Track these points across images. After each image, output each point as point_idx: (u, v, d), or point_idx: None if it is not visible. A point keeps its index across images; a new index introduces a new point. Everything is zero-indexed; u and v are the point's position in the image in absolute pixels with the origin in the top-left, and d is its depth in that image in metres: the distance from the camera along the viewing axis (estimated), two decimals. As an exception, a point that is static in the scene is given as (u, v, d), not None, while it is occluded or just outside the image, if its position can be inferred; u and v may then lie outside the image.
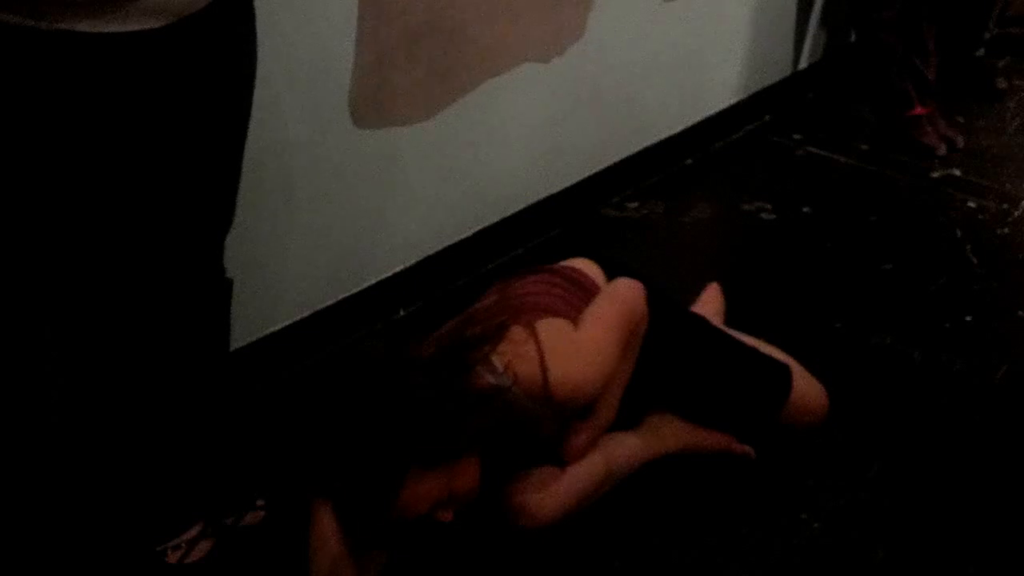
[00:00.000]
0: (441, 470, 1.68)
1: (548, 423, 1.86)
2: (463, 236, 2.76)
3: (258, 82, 1.72)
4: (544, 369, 1.78)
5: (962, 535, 2.03)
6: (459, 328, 1.82)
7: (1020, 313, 2.73)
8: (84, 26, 1.39)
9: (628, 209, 3.18)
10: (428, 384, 1.68)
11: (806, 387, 2.18)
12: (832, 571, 1.95)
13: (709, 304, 2.47)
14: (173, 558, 1.91)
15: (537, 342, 1.80)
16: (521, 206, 2.91)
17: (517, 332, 1.81)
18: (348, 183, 2.41)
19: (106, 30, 1.41)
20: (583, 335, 1.86)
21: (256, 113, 1.74)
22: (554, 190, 2.99)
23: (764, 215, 3.19)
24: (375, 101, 2.38)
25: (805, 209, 3.22)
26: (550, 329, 1.84)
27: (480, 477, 1.75)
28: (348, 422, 1.68)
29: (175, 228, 1.66)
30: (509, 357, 1.76)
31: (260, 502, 2.01)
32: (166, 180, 1.60)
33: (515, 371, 1.76)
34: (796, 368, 2.19)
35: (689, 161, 3.46)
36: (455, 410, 1.68)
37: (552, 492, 1.90)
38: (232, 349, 2.06)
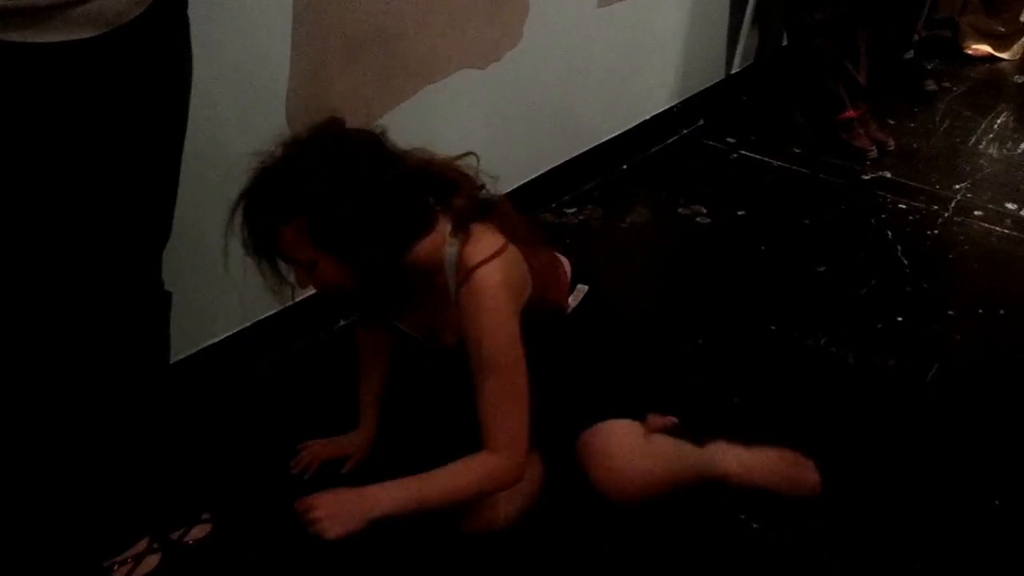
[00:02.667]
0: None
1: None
2: (402, 243, 2.75)
3: (193, 93, 1.70)
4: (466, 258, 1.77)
5: (900, 532, 2.07)
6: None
7: (950, 313, 2.79)
8: (15, 36, 1.38)
9: (566, 215, 3.20)
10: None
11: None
12: (775, 572, 1.98)
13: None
14: (120, 574, 1.89)
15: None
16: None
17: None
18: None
19: (38, 40, 1.39)
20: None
21: (192, 124, 1.73)
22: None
23: (700, 219, 3.23)
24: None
25: (740, 212, 3.26)
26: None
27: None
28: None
29: (111, 240, 1.64)
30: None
31: (206, 515, 1.99)
32: (101, 192, 1.58)
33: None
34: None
35: (625, 166, 3.49)
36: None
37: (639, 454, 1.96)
38: (172, 361, 2.03)
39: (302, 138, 1.76)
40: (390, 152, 1.77)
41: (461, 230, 1.78)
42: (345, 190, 1.67)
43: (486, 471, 1.79)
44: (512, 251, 1.80)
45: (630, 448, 1.97)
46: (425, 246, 1.76)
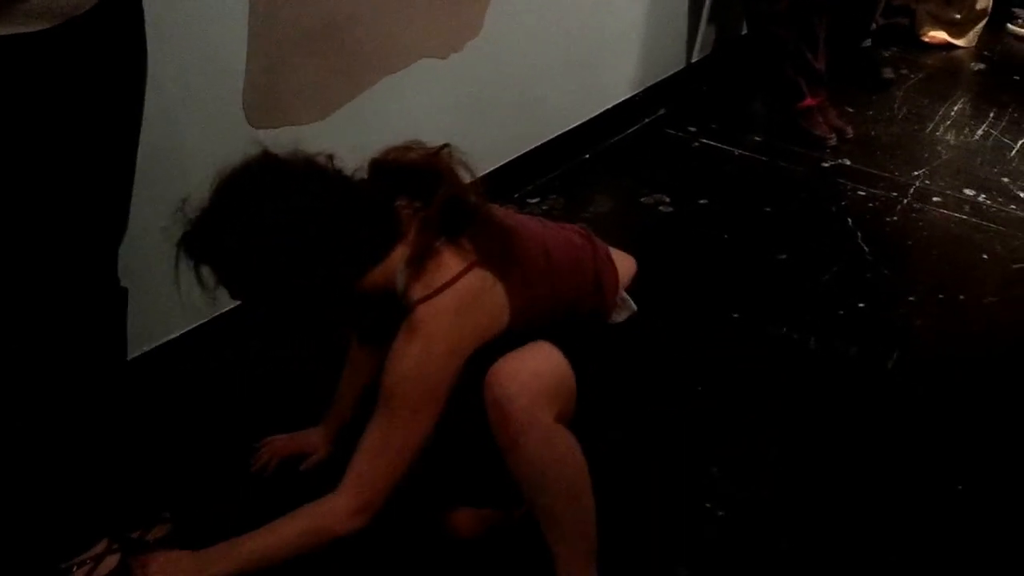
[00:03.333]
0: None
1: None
2: (364, 236, 2.73)
3: (148, 86, 1.68)
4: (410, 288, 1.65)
5: (862, 517, 2.08)
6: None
7: (911, 299, 2.81)
8: (-33, 29, 1.36)
9: (529, 205, 3.20)
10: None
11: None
12: (737, 559, 1.99)
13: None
14: (79, 575, 1.86)
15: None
16: (422, 204, 2.89)
17: (451, 256, 1.67)
18: (245, 185, 2.37)
19: (-9, 32, 1.37)
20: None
21: (147, 118, 1.71)
22: (454, 187, 2.98)
23: (662, 208, 3.23)
24: (270, 101, 2.35)
25: (702, 201, 3.27)
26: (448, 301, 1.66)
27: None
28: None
29: (66, 235, 1.62)
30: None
31: (166, 514, 1.97)
32: (55, 186, 1.56)
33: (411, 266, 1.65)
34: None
35: (587, 155, 3.49)
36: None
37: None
38: (129, 358, 2.01)
39: (230, 177, 1.65)
40: (328, 186, 1.64)
41: (418, 255, 1.65)
42: (263, 244, 1.58)
43: (324, 518, 1.66)
44: (474, 278, 1.66)
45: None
46: (379, 273, 1.66)
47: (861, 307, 2.76)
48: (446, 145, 1.75)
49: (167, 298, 2.28)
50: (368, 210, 1.66)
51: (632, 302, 1.87)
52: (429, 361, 1.64)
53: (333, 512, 1.65)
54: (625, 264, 1.93)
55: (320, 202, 1.61)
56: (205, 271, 1.65)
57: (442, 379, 1.66)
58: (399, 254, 1.66)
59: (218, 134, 2.26)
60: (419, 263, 1.64)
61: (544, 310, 1.75)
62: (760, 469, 2.18)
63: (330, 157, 1.71)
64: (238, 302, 2.39)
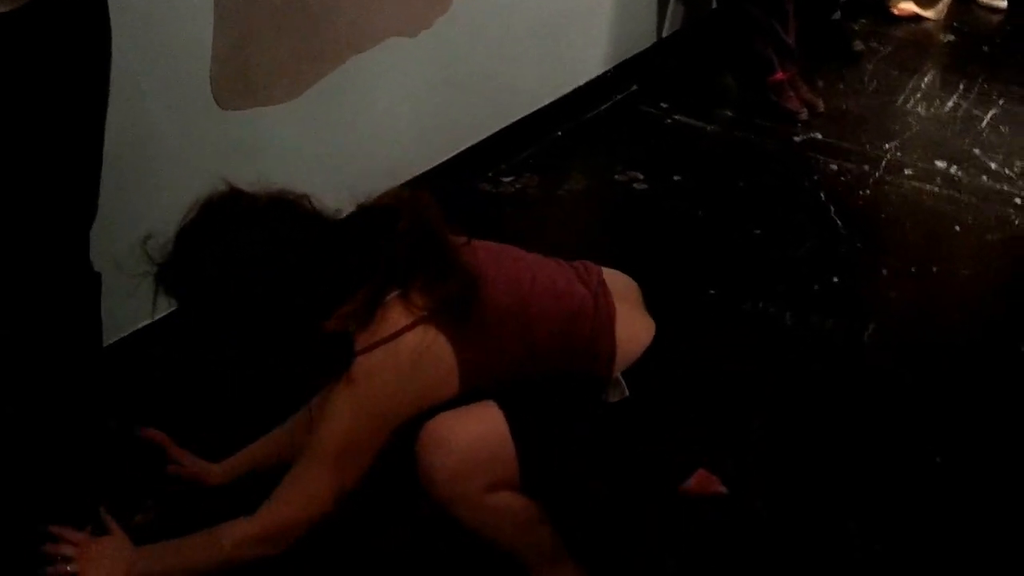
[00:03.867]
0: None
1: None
2: (338, 218, 2.71)
3: (115, 70, 1.66)
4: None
5: (840, 491, 2.09)
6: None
7: (884, 272, 2.82)
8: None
9: (503, 184, 3.18)
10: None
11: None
12: (720, 530, 1.99)
13: None
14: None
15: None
16: (395, 184, 2.87)
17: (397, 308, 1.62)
18: (216, 169, 2.32)
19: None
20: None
21: (115, 102, 1.69)
22: (427, 167, 2.97)
23: (636, 184, 3.22)
24: (238, 82, 2.32)
25: (676, 177, 3.26)
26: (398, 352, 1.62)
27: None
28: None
29: (35, 220, 1.60)
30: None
31: (150, 502, 1.95)
32: (22, 171, 1.54)
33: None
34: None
35: (560, 133, 3.47)
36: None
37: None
38: (106, 344, 1.99)
39: (195, 219, 1.64)
40: (297, 225, 1.62)
41: (364, 303, 1.60)
42: (236, 275, 1.57)
43: (231, 541, 1.65)
44: (417, 336, 1.60)
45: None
46: (334, 323, 1.61)
47: (835, 281, 2.77)
48: (423, 188, 1.72)
49: (143, 283, 2.27)
50: (336, 249, 1.62)
51: (625, 388, 1.72)
52: (357, 421, 1.62)
53: (242, 538, 1.65)
54: (636, 336, 1.76)
55: (287, 239, 1.59)
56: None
57: (370, 441, 1.64)
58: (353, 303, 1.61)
59: (187, 116, 2.23)
60: (365, 312, 1.60)
61: (509, 370, 1.68)
62: (739, 443, 2.18)
63: (304, 196, 1.69)
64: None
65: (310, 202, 1.68)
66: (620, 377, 1.72)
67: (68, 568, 1.68)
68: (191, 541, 1.70)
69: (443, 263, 1.64)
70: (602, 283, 1.77)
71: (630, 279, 1.87)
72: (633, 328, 1.75)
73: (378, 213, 1.68)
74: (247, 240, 1.58)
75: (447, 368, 1.64)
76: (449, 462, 1.62)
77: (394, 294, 1.62)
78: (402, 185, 1.76)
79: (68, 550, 1.69)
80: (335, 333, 1.61)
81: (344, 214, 1.71)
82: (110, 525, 1.76)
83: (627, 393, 1.72)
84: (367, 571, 1.91)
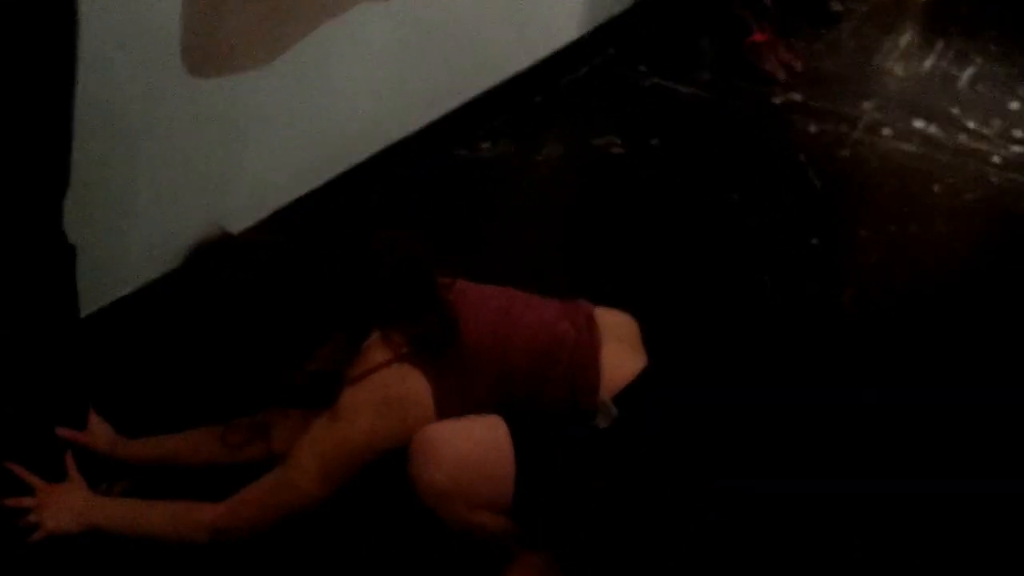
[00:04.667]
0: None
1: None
2: (314, 186, 2.69)
3: (83, 38, 1.63)
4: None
5: (819, 456, 2.09)
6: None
7: (863, 233, 2.82)
8: None
9: (481, 149, 3.16)
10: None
11: None
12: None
13: None
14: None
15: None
16: (372, 151, 2.85)
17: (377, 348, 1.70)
18: (189, 137, 2.32)
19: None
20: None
21: (84, 71, 1.66)
22: (404, 134, 2.94)
23: (615, 149, 3.20)
24: (209, 49, 2.29)
25: (653, 141, 3.24)
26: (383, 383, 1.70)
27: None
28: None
29: (4, 192, 1.59)
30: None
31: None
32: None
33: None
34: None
35: (538, 98, 3.45)
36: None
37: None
38: (82, 316, 1.98)
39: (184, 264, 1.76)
40: (274, 276, 1.69)
41: (348, 339, 1.71)
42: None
43: (190, 521, 1.74)
44: (394, 374, 1.68)
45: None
46: (316, 364, 1.72)
47: (814, 243, 2.76)
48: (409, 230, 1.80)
49: (118, 254, 2.26)
50: (319, 293, 1.69)
51: (613, 410, 1.72)
52: (335, 451, 1.69)
53: (199, 521, 1.73)
54: (623, 366, 1.77)
55: (271, 285, 1.68)
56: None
57: (342, 471, 1.70)
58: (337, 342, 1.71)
59: (158, 84, 2.20)
60: (349, 350, 1.70)
61: (486, 402, 1.72)
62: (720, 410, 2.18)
63: (291, 237, 1.82)
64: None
65: (296, 241, 1.77)
66: (607, 400, 1.73)
67: (29, 518, 1.73)
68: (152, 507, 1.78)
69: (424, 303, 1.72)
70: (590, 319, 1.81)
71: (628, 317, 1.89)
72: (620, 360, 1.77)
73: (363, 254, 1.74)
74: (234, 284, 1.67)
75: (424, 404, 1.69)
76: (436, 477, 1.65)
77: (376, 334, 1.70)
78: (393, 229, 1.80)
79: (26, 501, 1.74)
80: (320, 371, 1.71)
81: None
82: (71, 472, 1.81)
83: (614, 414, 1.72)
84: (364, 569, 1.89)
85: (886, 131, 3.34)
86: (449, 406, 1.70)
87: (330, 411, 1.69)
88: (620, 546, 1.73)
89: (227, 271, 1.69)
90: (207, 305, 1.70)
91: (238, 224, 2.50)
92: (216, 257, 1.72)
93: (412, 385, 1.69)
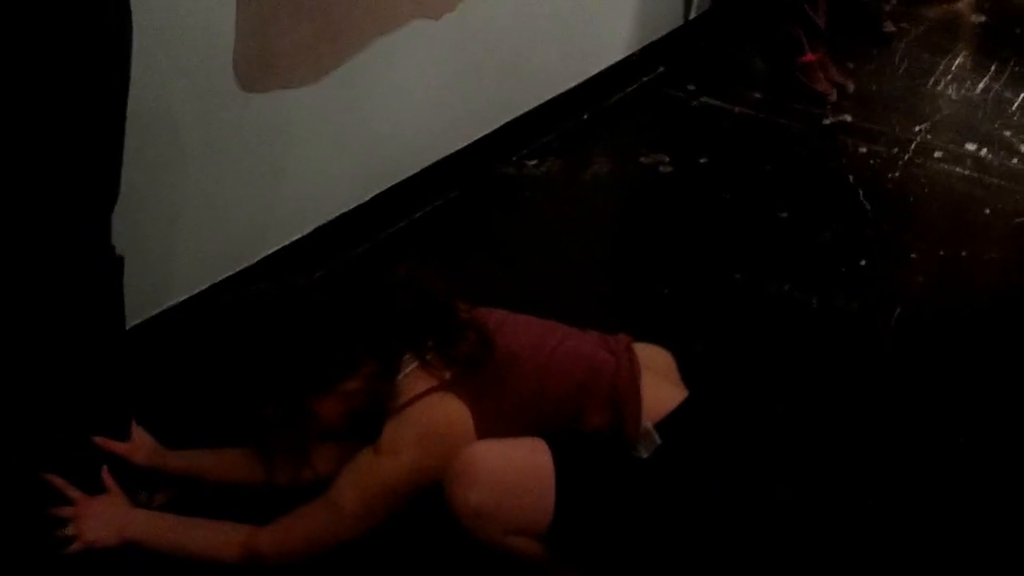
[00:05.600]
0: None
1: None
2: (359, 202, 2.71)
3: (137, 51, 1.66)
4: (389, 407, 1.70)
5: (864, 474, 2.07)
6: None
7: (913, 255, 2.79)
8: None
9: (527, 167, 3.17)
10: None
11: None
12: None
13: None
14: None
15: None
16: (418, 168, 2.87)
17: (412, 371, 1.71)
18: (238, 151, 2.35)
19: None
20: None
21: (137, 84, 1.69)
22: (451, 151, 2.96)
23: (662, 167, 3.20)
24: (261, 64, 2.32)
25: (702, 160, 3.24)
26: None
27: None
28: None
29: (57, 203, 1.60)
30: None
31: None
32: (43, 153, 1.54)
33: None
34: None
35: (586, 116, 3.45)
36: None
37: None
38: (128, 326, 1.99)
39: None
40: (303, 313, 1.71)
41: (382, 370, 1.70)
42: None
43: (241, 544, 1.73)
44: (437, 403, 1.67)
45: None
46: (336, 399, 1.71)
47: (863, 264, 2.74)
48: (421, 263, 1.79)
49: (164, 265, 2.29)
50: (336, 332, 1.70)
51: (656, 439, 1.70)
52: (379, 487, 1.68)
53: (238, 544, 1.73)
54: (661, 398, 1.75)
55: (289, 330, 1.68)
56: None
57: (385, 504, 1.70)
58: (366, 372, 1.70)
59: (209, 99, 2.23)
60: (384, 379, 1.69)
61: (525, 426, 1.71)
62: (764, 427, 2.17)
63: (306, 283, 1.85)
64: (238, 268, 2.41)
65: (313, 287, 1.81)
66: (650, 428, 1.71)
67: (67, 530, 1.73)
68: (191, 525, 1.78)
69: (452, 324, 1.72)
70: (629, 349, 1.79)
71: (666, 353, 1.88)
72: (660, 391, 1.76)
73: (380, 283, 1.76)
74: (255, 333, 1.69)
75: (466, 434, 1.68)
76: (473, 499, 1.63)
77: (413, 362, 1.70)
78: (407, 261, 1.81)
79: (67, 511, 1.75)
80: (369, 402, 1.69)
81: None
82: (108, 483, 1.81)
83: (658, 443, 1.70)
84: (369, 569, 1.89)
85: (937, 153, 3.30)
86: (491, 434, 1.69)
87: (374, 445, 1.68)
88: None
89: (245, 323, 1.71)
90: (231, 358, 1.71)
91: (285, 237, 2.54)
92: (235, 311, 1.76)
93: (454, 415, 1.68)
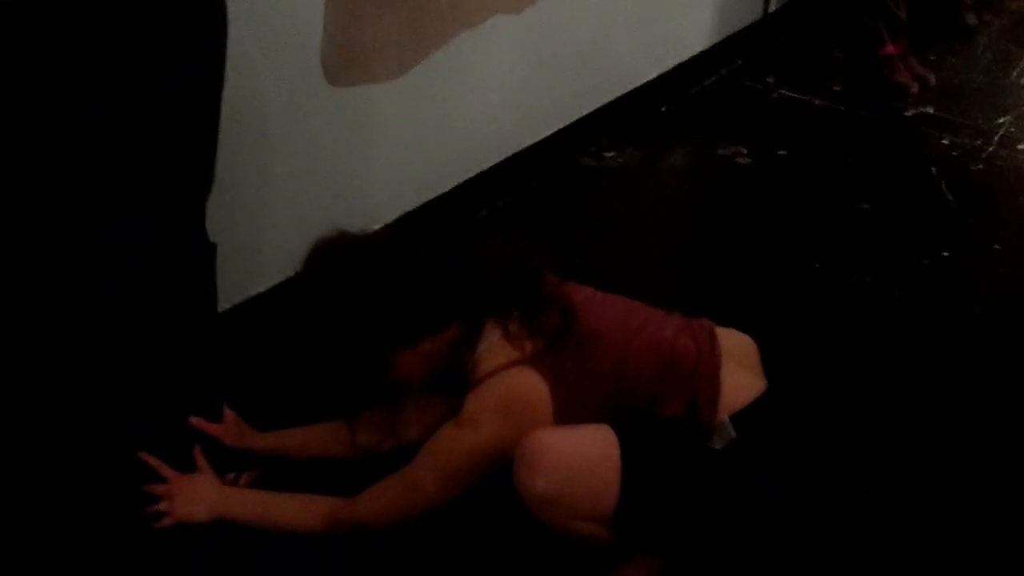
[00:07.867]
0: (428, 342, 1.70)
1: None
2: (442, 191, 2.75)
3: (230, 46, 1.71)
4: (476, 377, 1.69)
5: (946, 464, 2.06)
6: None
7: (996, 247, 2.76)
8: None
9: (605, 158, 3.18)
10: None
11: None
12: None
13: None
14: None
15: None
16: (499, 159, 2.90)
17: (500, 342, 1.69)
18: (324, 142, 2.40)
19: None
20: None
21: (230, 77, 1.73)
22: (531, 142, 2.99)
23: (740, 159, 3.20)
24: (348, 58, 2.36)
25: (781, 152, 3.23)
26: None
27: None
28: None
29: (156, 192, 1.66)
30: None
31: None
32: (145, 143, 1.59)
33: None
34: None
35: (664, 108, 3.46)
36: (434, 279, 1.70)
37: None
38: (219, 311, 2.05)
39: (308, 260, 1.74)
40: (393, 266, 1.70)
41: (465, 338, 1.69)
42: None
43: (334, 514, 1.76)
44: (519, 377, 1.67)
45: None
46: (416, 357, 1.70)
47: (945, 256, 2.72)
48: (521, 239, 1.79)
49: (253, 252, 2.34)
50: (428, 285, 1.69)
51: (731, 431, 1.68)
52: (459, 458, 1.69)
53: (324, 515, 1.76)
54: (741, 387, 1.73)
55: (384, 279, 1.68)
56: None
57: (465, 475, 1.70)
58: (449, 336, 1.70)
59: (297, 91, 2.28)
60: (467, 344, 1.69)
61: (601, 407, 1.70)
62: (846, 417, 2.17)
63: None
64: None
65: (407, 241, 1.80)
66: (726, 420, 1.69)
67: (159, 506, 1.78)
68: (282, 500, 1.82)
69: (536, 294, 1.71)
70: (712, 336, 1.77)
71: (749, 339, 1.84)
72: (740, 381, 1.73)
73: (472, 256, 1.77)
74: (352, 278, 1.68)
75: (544, 409, 1.68)
76: (540, 485, 1.64)
77: (496, 330, 1.69)
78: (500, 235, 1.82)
79: (159, 489, 1.80)
80: (449, 361, 1.70)
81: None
82: (199, 462, 1.87)
83: (733, 435, 1.69)
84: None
85: (1021, 145, 3.26)
86: (566, 411, 1.68)
87: (455, 418, 1.69)
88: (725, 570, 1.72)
89: (338, 267, 1.70)
90: (320, 300, 1.70)
91: (368, 226, 2.58)
92: (331, 255, 1.72)
93: (534, 390, 1.67)
